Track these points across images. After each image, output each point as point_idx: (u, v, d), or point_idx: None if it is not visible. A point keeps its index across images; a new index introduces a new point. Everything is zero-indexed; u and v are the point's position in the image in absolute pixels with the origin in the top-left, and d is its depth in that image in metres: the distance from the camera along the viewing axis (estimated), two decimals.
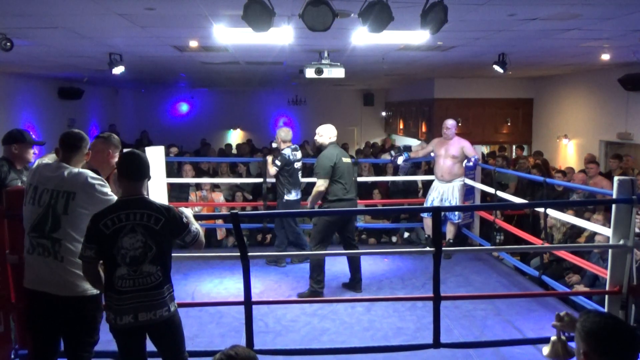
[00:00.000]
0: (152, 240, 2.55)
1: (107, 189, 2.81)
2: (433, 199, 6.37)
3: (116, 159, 3.44)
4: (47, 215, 2.72)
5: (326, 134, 5.12)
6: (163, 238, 2.59)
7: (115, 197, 2.74)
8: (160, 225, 2.56)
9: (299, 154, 6.01)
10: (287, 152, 5.82)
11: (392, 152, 6.83)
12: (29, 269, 2.81)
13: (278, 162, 5.79)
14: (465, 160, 6.18)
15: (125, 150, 2.94)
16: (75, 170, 2.81)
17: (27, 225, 2.80)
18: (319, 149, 5.30)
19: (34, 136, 4.13)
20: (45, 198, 2.74)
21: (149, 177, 2.70)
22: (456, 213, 6.32)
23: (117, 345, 2.69)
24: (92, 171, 2.89)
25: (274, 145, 6.28)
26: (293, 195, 5.90)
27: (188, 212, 2.82)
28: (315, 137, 5.29)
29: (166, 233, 2.60)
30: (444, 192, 6.30)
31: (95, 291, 2.75)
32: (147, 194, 2.72)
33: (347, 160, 5.10)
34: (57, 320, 2.75)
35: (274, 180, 6.08)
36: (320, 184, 4.97)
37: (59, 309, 2.71)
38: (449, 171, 6.26)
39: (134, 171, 2.64)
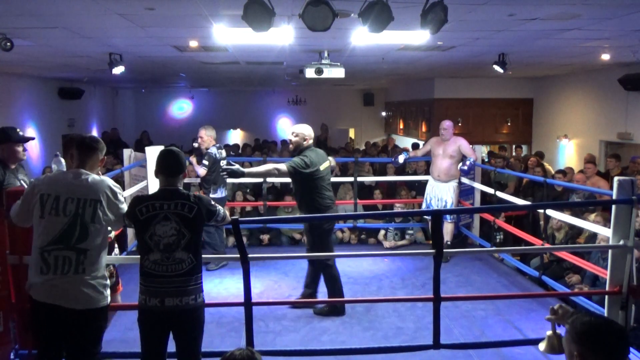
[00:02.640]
0: (186, 228, 2.72)
1: (123, 197, 2.91)
2: (430, 199, 6.36)
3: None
4: (75, 225, 2.69)
5: (302, 135, 4.50)
6: (196, 225, 2.76)
7: (125, 207, 2.88)
8: (193, 213, 2.74)
9: (224, 152, 5.99)
10: (213, 150, 5.79)
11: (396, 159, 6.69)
12: (42, 288, 2.68)
13: (206, 162, 5.70)
14: (461, 163, 6.14)
15: (164, 148, 3.11)
16: (98, 177, 2.83)
17: (46, 238, 2.69)
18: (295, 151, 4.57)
19: (20, 133, 3.93)
20: (71, 207, 2.70)
21: (183, 172, 2.91)
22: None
23: (140, 336, 2.80)
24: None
25: (195, 145, 6.07)
26: (218, 194, 5.81)
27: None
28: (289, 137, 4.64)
29: (200, 219, 2.77)
30: (440, 192, 6.28)
31: (107, 301, 2.78)
32: (181, 186, 2.89)
33: (327, 165, 4.57)
34: (65, 331, 2.73)
35: (274, 180, 6.04)
36: (280, 166, 4.31)
37: (69, 321, 2.69)
38: (446, 171, 6.22)
39: (171, 166, 2.85)
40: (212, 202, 2.91)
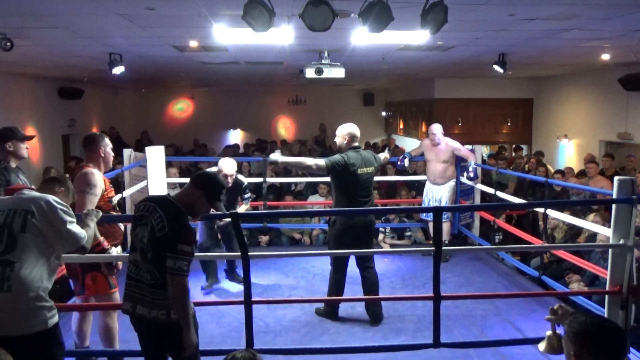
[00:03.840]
0: (151, 243, 2.52)
1: (72, 217, 2.61)
2: (429, 200, 6.34)
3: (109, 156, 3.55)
4: (2, 236, 2.45)
5: (341, 134, 4.46)
6: (159, 246, 2.50)
7: (76, 228, 2.60)
8: (161, 234, 2.50)
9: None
10: (243, 179, 5.46)
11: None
12: None
13: (249, 194, 5.40)
14: (466, 173, 6.17)
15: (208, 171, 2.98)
16: (37, 193, 2.62)
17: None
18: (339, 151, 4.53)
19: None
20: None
21: (206, 194, 2.65)
22: (449, 212, 6.31)
23: None
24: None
25: (229, 184, 5.40)
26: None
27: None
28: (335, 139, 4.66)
29: (162, 244, 2.49)
30: (437, 193, 6.26)
31: (51, 322, 2.42)
32: (192, 207, 2.64)
33: (367, 169, 4.35)
34: None
35: (274, 179, 6.01)
36: (310, 161, 4.31)
37: (8, 351, 2.20)
38: (441, 175, 6.20)
39: (199, 178, 2.71)
40: (184, 246, 2.49)
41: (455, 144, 6.25)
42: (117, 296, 3.53)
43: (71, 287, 3.64)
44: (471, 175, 6.11)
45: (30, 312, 2.36)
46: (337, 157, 4.27)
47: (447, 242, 6.25)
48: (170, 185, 7.01)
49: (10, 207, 2.49)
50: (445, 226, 6.26)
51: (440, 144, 6.16)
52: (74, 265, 3.43)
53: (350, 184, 4.26)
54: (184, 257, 2.47)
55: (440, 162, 6.19)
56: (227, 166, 5.00)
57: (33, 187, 2.83)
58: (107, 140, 3.57)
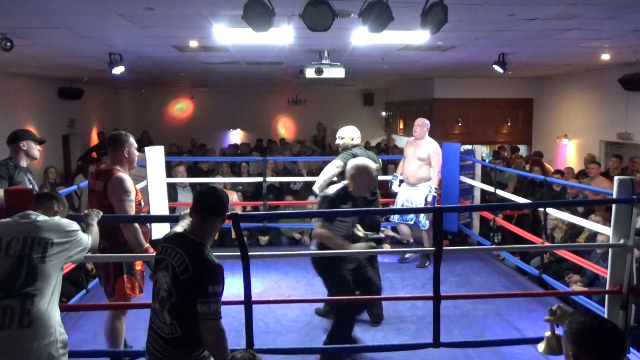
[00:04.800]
0: (175, 288, 2.25)
1: (75, 226, 2.60)
2: (402, 203, 5.92)
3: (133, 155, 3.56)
4: (21, 267, 2.35)
5: (348, 135, 4.68)
6: (184, 291, 2.23)
7: (82, 235, 2.58)
8: (185, 276, 2.22)
9: None
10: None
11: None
12: None
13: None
14: (427, 194, 5.68)
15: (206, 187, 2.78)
16: (48, 218, 2.55)
17: None
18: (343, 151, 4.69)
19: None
20: (15, 247, 2.36)
21: (220, 219, 2.41)
22: (425, 219, 5.77)
23: None
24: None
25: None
26: None
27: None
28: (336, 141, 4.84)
29: (188, 288, 2.22)
30: (410, 196, 5.85)
31: None
32: (209, 241, 2.39)
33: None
34: None
35: (274, 179, 6.00)
36: (338, 162, 4.46)
37: None
38: (414, 174, 5.77)
39: (204, 205, 2.39)
40: (215, 287, 2.22)
41: (436, 148, 5.82)
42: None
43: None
44: (429, 199, 5.63)
45: (49, 352, 2.26)
46: (344, 154, 4.47)
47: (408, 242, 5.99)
48: (180, 185, 7.02)
49: (27, 234, 2.38)
50: (425, 235, 5.88)
51: (421, 139, 5.85)
52: (107, 267, 3.44)
53: None
54: (217, 299, 2.21)
55: (416, 159, 5.79)
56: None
57: (36, 187, 2.85)
58: (132, 140, 3.56)
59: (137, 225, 3.33)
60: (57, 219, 2.56)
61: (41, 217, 2.51)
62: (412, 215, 5.91)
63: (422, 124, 5.91)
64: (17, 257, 2.31)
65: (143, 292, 3.53)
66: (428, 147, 5.78)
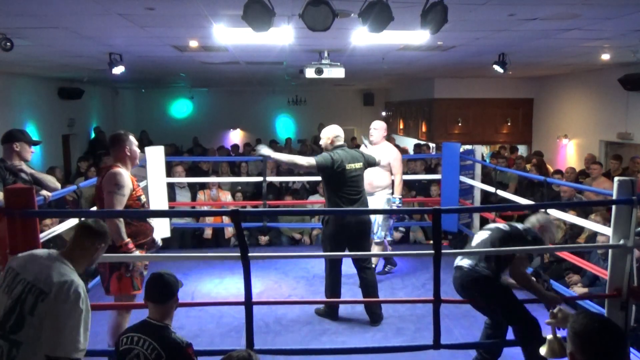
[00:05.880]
0: None
1: (86, 306, 2.31)
2: None
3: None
4: (13, 311, 2.23)
5: (325, 136, 4.51)
6: None
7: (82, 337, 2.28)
8: None
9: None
10: None
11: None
12: None
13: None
14: (391, 198, 5.29)
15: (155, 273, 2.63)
16: (69, 270, 2.32)
17: None
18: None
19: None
20: (18, 289, 2.26)
21: (174, 300, 2.53)
22: (382, 231, 5.36)
23: None
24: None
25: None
26: None
27: None
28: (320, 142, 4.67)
29: None
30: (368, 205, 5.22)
31: None
32: (170, 320, 2.52)
33: (355, 165, 4.38)
34: None
35: (274, 179, 5.97)
36: (302, 160, 4.32)
37: None
38: (371, 182, 5.18)
39: (155, 293, 2.51)
40: None
41: (397, 153, 5.40)
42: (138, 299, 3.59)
43: None
44: (394, 206, 5.22)
45: None
46: (324, 154, 4.34)
47: (374, 266, 5.25)
48: (178, 185, 7.02)
49: (32, 279, 2.25)
50: (377, 249, 5.38)
51: (379, 144, 5.39)
52: (104, 264, 3.50)
53: (340, 180, 4.30)
54: None
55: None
56: None
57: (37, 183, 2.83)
58: (132, 139, 3.66)
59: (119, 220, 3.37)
60: (79, 287, 2.26)
61: (57, 264, 2.30)
62: None
63: (379, 127, 5.47)
64: (15, 299, 2.23)
65: (140, 289, 3.52)
66: (387, 153, 5.32)
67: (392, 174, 5.35)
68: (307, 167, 4.33)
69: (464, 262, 3.49)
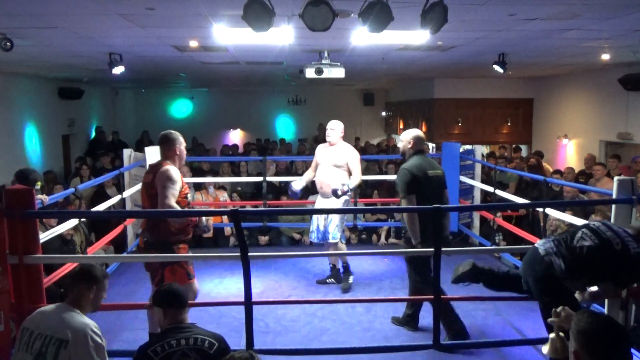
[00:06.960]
0: None
1: (104, 353, 2.45)
2: (317, 218, 5.23)
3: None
4: None
5: (405, 138, 4.22)
6: None
7: None
8: (214, 349, 2.46)
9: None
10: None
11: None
12: None
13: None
14: (340, 183, 4.91)
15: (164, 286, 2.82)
16: (79, 318, 2.44)
17: None
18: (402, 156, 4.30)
19: (39, 184, 4.47)
20: (37, 345, 2.36)
21: (186, 306, 2.68)
22: (337, 232, 5.10)
23: None
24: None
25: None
26: None
27: None
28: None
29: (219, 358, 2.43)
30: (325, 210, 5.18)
31: None
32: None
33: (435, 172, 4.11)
34: None
35: (274, 179, 5.94)
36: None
37: None
38: (329, 183, 5.00)
39: (174, 300, 2.62)
40: None
41: (355, 153, 5.20)
42: (196, 285, 3.70)
43: None
44: (337, 190, 4.84)
45: None
46: (398, 181, 4.06)
47: (334, 266, 5.39)
48: None
49: (49, 332, 2.36)
50: (333, 249, 5.12)
51: (337, 144, 5.15)
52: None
53: (424, 188, 4.01)
54: None
55: (331, 165, 5.08)
56: None
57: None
58: (181, 139, 3.77)
59: (174, 203, 3.52)
60: (90, 327, 2.39)
61: (70, 315, 2.41)
62: (321, 230, 5.17)
63: (336, 127, 5.17)
64: (36, 354, 2.33)
65: (194, 277, 3.68)
66: (346, 153, 5.11)
67: (350, 175, 5.11)
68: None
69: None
